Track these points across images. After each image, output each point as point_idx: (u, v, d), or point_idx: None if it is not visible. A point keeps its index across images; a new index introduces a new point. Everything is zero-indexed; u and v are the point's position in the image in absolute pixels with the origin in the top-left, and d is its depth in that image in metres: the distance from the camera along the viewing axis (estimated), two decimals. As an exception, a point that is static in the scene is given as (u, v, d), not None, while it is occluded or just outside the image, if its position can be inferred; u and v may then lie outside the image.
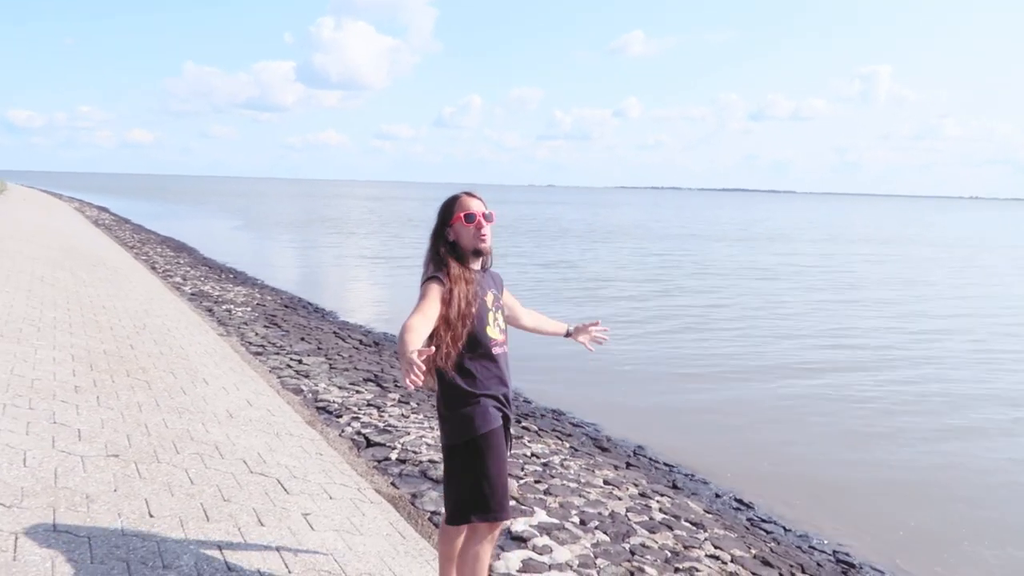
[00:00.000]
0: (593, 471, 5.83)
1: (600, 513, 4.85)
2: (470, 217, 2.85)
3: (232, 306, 12.16)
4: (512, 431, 3.08)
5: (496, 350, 2.85)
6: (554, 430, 7.14)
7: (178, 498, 3.71)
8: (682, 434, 7.89)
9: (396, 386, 8.01)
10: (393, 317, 14.07)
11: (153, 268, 16.45)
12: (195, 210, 57.63)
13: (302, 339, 9.95)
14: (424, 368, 2.36)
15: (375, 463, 5.38)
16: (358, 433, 5.99)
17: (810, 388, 9.83)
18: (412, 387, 2.32)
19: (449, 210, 2.89)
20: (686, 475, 6.62)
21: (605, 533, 4.53)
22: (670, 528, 4.80)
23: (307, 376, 7.86)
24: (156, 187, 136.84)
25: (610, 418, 8.29)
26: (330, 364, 8.56)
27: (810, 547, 5.36)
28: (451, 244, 2.86)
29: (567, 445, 6.59)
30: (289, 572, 3.25)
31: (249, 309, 12.09)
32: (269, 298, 14.09)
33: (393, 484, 5.10)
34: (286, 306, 13.36)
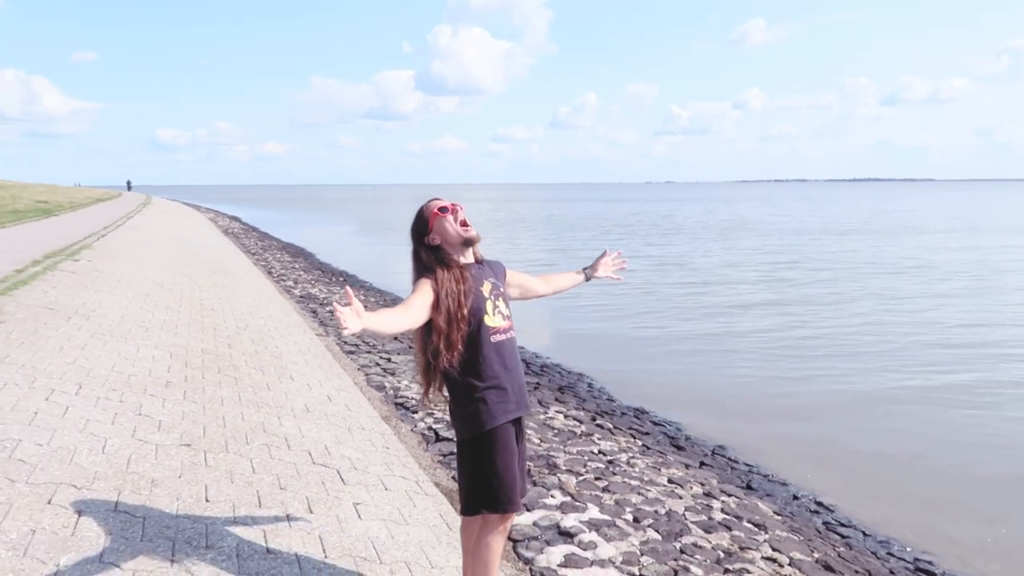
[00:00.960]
0: (659, 469, 5.74)
1: (656, 511, 4.79)
2: (444, 208, 2.89)
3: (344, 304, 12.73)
4: (526, 424, 3.10)
5: (497, 337, 2.88)
6: (630, 428, 7.08)
7: (237, 485, 3.97)
8: (769, 436, 7.62)
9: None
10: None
11: (269, 273, 17.47)
12: (317, 217, 60.52)
13: (395, 339, 10.29)
14: (350, 304, 2.29)
15: (440, 457, 5.52)
16: (429, 428, 6.16)
17: (917, 394, 9.20)
18: (344, 328, 2.23)
19: (422, 217, 2.91)
20: (764, 476, 6.41)
21: (657, 531, 4.47)
22: (728, 528, 4.67)
23: (392, 374, 8.14)
24: (285, 196, 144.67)
25: (694, 417, 8.12)
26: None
27: (888, 554, 5.06)
28: (435, 249, 2.87)
29: (639, 443, 6.52)
30: (325, 556, 3.42)
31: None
32: (372, 299, 14.65)
33: (454, 478, 5.21)
34: (387, 307, 13.83)
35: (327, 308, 12.59)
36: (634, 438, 6.67)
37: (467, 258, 2.94)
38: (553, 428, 6.53)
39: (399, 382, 7.76)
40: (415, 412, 6.71)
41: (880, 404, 8.69)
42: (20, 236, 14.47)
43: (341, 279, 18.31)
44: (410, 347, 9.93)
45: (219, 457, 4.31)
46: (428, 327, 2.76)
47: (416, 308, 2.68)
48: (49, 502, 3.25)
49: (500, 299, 2.97)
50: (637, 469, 5.65)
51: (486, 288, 2.91)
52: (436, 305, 2.72)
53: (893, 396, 9.00)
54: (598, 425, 6.91)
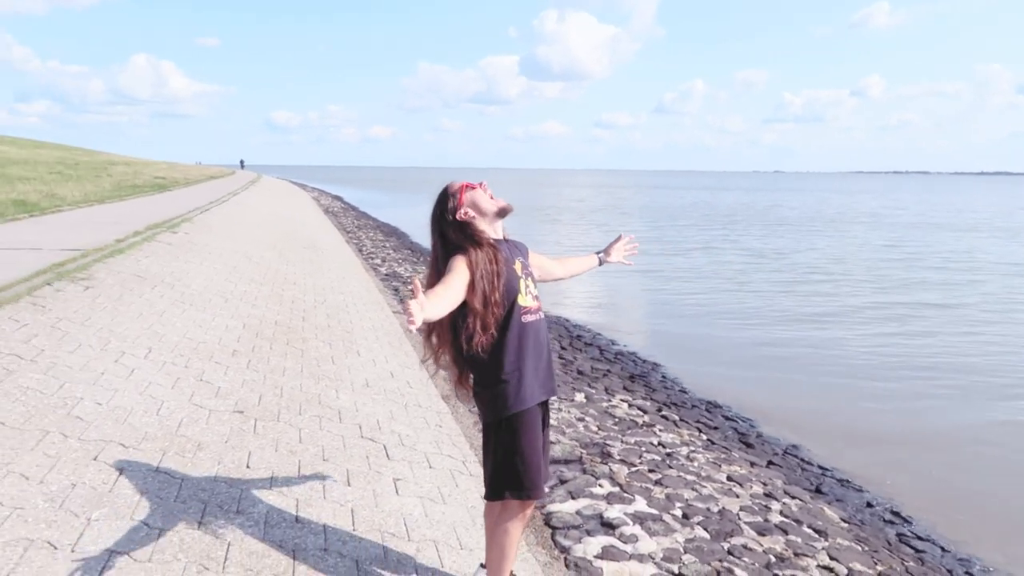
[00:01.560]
0: (720, 466, 5.50)
1: (708, 509, 4.58)
2: (470, 186, 2.82)
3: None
4: (551, 409, 3.00)
5: (528, 318, 2.78)
6: (698, 421, 6.83)
7: (280, 454, 4.05)
8: (851, 440, 7.18)
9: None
10: (574, 303, 14.17)
11: (360, 250, 17.91)
12: (416, 198, 61.64)
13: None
14: (415, 297, 2.21)
15: (493, 439, 5.47)
16: (486, 410, 6.11)
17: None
18: (411, 323, 2.18)
19: (450, 195, 2.80)
20: (838, 480, 6.04)
21: (705, 530, 4.28)
22: (785, 532, 4.42)
23: (461, 354, 8.14)
24: (389, 178, 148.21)
25: (771, 416, 7.75)
26: (487, 343, 8.82)
27: (967, 573, 4.66)
28: (464, 226, 2.74)
29: (704, 437, 6.28)
30: (354, 529, 3.43)
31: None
32: (455, 280, 14.77)
33: (503, 460, 5.16)
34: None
35: (410, 286, 12.78)
36: (700, 432, 6.43)
37: (497, 233, 2.85)
38: (614, 416, 6.38)
39: (466, 362, 7.75)
40: (476, 393, 6.68)
41: (984, 422, 8.05)
42: (132, 209, 15.34)
43: (430, 259, 18.56)
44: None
45: (269, 425, 4.40)
46: (459, 310, 2.68)
47: (457, 288, 2.55)
48: (95, 459, 3.39)
49: (529, 279, 2.87)
50: (696, 464, 5.43)
51: (518, 266, 2.82)
52: (472, 286, 2.61)
53: (1001, 415, 8.31)
54: (663, 416, 6.70)
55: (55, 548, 2.64)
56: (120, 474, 3.30)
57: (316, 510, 3.49)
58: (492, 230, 2.82)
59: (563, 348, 9.40)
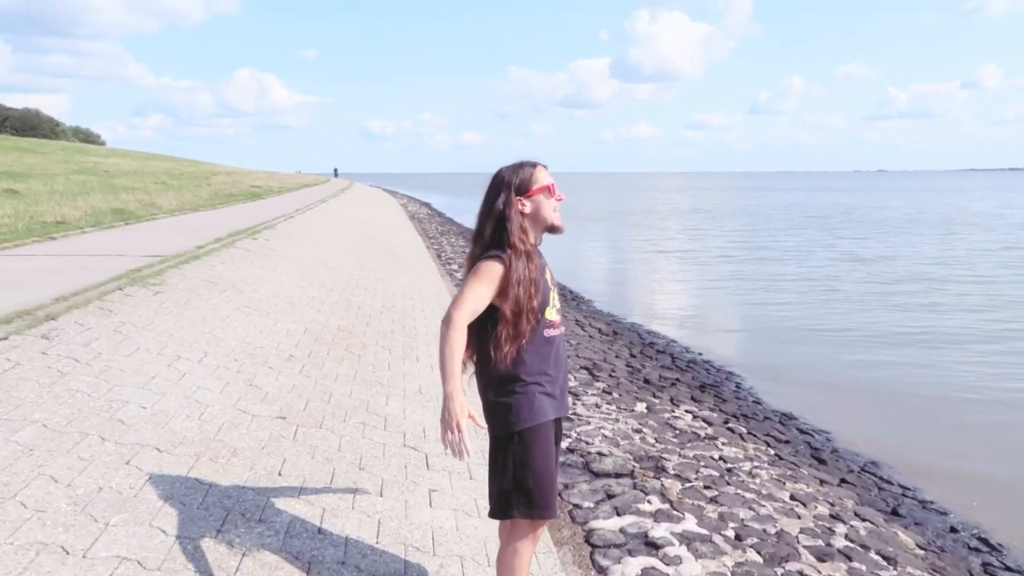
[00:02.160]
0: (784, 483, 5.16)
1: (764, 530, 4.28)
2: (552, 190, 2.65)
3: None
4: (564, 426, 2.82)
5: (550, 332, 2.64)
6: (767, 435, 6.47)
7: (316, 462, 4.02)
8: (941, 459, 6.65)
9: (611, 376, 7.87)
10: (651, 310, 13.82)
11: (438, 256, 18.07)
12: (503, 204, 61.96)
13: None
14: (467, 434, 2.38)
15: (543, 450, 5.31)
16: (541, 419, 5.96)
17: None
18: (458, 456, 2.38)
19: (528, 179, 2.62)
20: (920, 502, 5.58)
21: (759, 553, 3.98)
22: (848, 559, 4.07)
23: (524, 360, 8.01)
24: (479, 184, 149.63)
25: (852, 430, 7.28)
26: (552, 350, 8.67)
27: (1063, 612, 4.18)
28: (523, 217, 2.59)
29: (771, 452, 5.92)
30: (377, 542, 3.35)
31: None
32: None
33: (550, 472, 4.99)
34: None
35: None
36: (768, 446, 6.08)
37: (539, 240, 2.71)
38: (675, 428, 6.10)
39: (528, 369, 7.62)
40: (534, 401, 6.54)
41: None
42: (223, 217, 15.97)
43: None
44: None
45: (309, 432, 4.39)
46: (488, 316, 2.56)
47: (481, 306, 2.49)
48: (128, 462, 3.43)
49: (556, 291, 2.74)
50: (757, 481, 5.11)
51: (548, 276, 2.69)
52: (504, 292, 2.49)
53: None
54: (729, 428, 6.37)
55: (67, 553, 2.66)
56: (149, 479, 3.33)
57: (341, 521, 3.43)
58: (536, 237, 2.69)
59: (632, 356, 9.13)
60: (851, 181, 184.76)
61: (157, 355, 4.96)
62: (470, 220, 34.86)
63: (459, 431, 2.34)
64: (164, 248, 9.36)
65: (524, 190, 2.60)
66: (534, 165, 2.67)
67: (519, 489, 2.64)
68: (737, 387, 8.48)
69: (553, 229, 2.67)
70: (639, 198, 76.77)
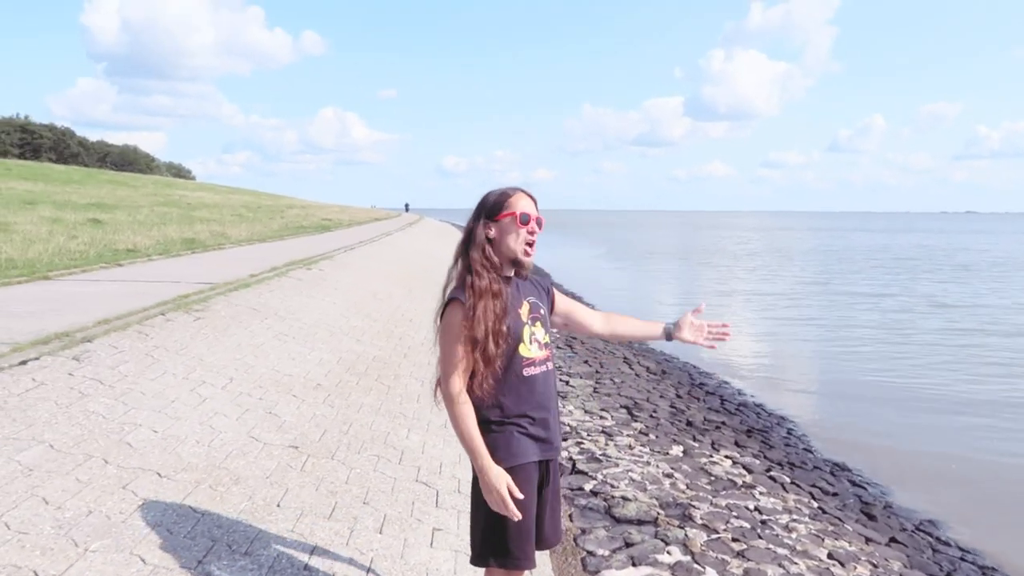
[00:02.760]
0: (823, 539, 4.80)
1: (791, 591, 3.97)
2: (524, 218, 2.45)
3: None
4: (558, 465, 2.65)
5: (531, 371, 2.49)
6: (814, 485, 6.08)
7: (319, 494, 3.94)
8: (1009, 522, 6.12)
9: (651, 416, 7.60)
10: (700, 350, 13.36)
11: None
12: (568, 239, 61.97)
13: (585, 362, 9.98)
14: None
15: (565, 492, 5.13)
16: (569, 459, 5.78)
17: None
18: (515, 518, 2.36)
19: (499, 204, 2.48)
20: (980, 567, 5.11)
21: (781, 616, 3.69)
22: (883, 628, 3.73)
23: (562, 397, 7.84)
24: (548, 220, 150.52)
25: (911, 485, 6.79)
26: (595, 388, 8.45)
27: None
28: (487, 242, 2.45)
29: (815, 504, 5.56)
30: (364, 583, 3.23)
31: (555, 331, 12.52)
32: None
33: (569, 516, 4.80)
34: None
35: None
36: (812, 498, 5.71)
37: (509, 272, 2.57)
38: (710, 474, 5.80)
39: (563, 406, 7.44)
40: (564, 439, 6.35)
41: None
42: (286, 247, 16.38)
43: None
44: (597, 371, 9.55)
45: (319, 463, 4.33)
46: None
47: (469, 362, 2.38)
48: (125, 487, 3.43)
49: (538, 324, 2.56)
50: (794, 535, 4.78)
51: (524, 310, 2.52)
52: (470, 324, 2.34)
53: None
54: (771, 477, 6.02)
55: (37, 577, 2.64)
56: (142, 504, 3.31)
57: (330, 559, 3.33)
58: (504, 264, 2.55)
59: (678, 396, 8.82)
60: (937, 222, 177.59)
61: (183, 379, 5.01)
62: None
63: (505, 502, 2.32)
64: (220, 276, 9.61)
65: (494, 213, 2.47)
66: (516, 191, 2.54)
67: (494, 536, 2.50)
68: (788, 434, 8.06)
69: (517, 263, 2.49)
70: (710, 236, 75.55)
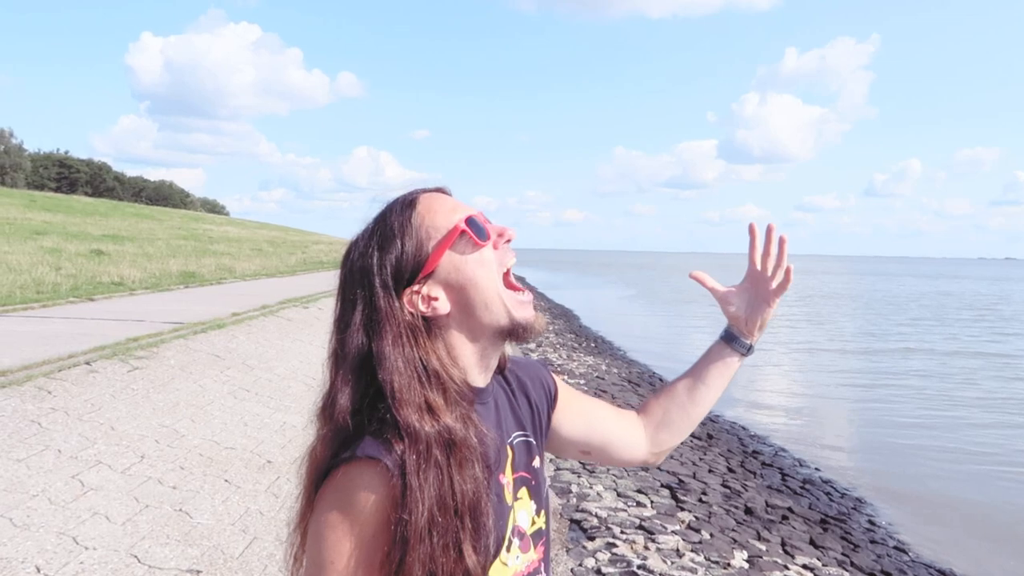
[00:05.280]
0: None
1: None
2: (481, 232, 1.01)
3: (566, 377, 11.28)
4: None
5: None
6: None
7: None
8: None
9: (700, 501, 6.08)
10: (749, 407, 11.79)
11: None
12: (598, 280, 60.56)
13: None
14: None
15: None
16: (597, 572, 4.30)
17: None
18: None
19: (416, 242, 0.99)
20: None
21: None
22: None
23: (591, 472, 6.37)
24: (577, 261, 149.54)
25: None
26: (628, 459, 6.95)
27: None
28: (423, 328, 0.97)
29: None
30: None
31: (583, 382, 11.08)
32: (616, 370, 12.97)
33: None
34: (630, 381, 12.08)
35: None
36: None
37: (487, 376, 1.07)
38: (790, 599, 4.27)
39: (593, 486, 5.95)
40: (591, 538, 4.88)
41: None
42: (292, 283, 15.20)
43: (593, 344, 16.94)
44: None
45: (226, 598, 2.93)
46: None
47: None
48: None
49: (525, 489, 1.10)
50: None
51: (507, 474, 1.06)
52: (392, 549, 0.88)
53: None
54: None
55: None
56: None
57: None
58: (486, 362, 1.06)
59: (729, 470, 7.26)
60: (975, 269, 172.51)
61: (69, 459, 3.67)
62: (561, 295, 33.63)
63: None
64: (197, 314, 8.35)
65: (415, 266, 0.98)
66: (415, 197, 1.03)
67: None
68: (871, 524, 6.46)
69: (516, 329, 1.03)
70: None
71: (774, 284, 1.28)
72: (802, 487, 7.16)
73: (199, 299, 10.56)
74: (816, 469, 8.15)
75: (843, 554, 5.34)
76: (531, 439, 1.13)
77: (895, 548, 5.93)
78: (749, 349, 1.30)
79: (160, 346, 6.13)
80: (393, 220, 1.00)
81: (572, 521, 5.15)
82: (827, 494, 7.14)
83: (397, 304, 0.97)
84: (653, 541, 4.85)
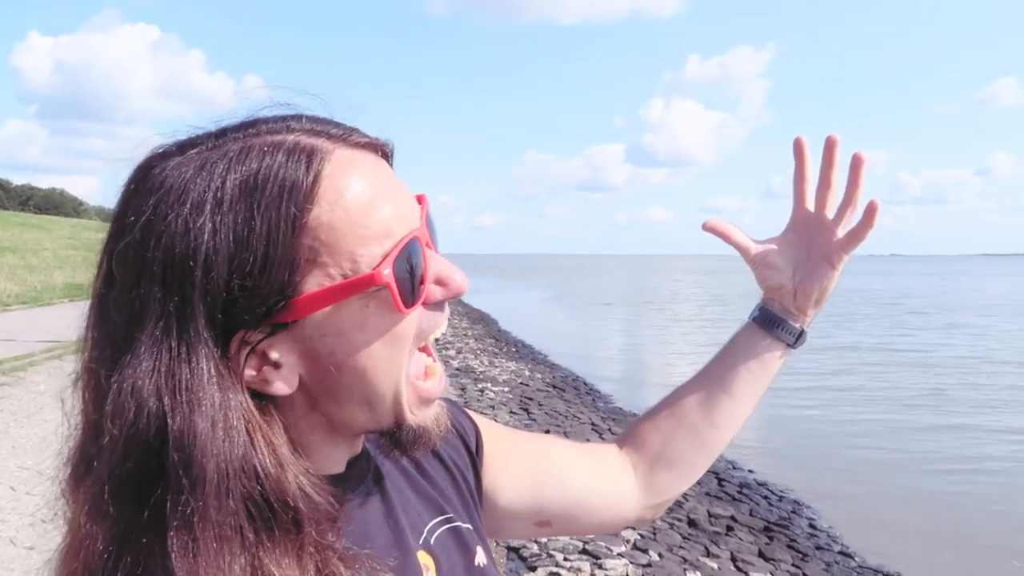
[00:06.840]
0: None
1: None
2: (412, 287, 0.55)
3: (489, 384, 10.81)
4: None
5: None
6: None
7: None
8: None
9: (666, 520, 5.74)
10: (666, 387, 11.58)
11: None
12: (515, 284, 60.44)
13: (546, 431, 8.08)
14: None
15: None
16: (538, 609, 3.85)
17: None
18: None
19: (289, 235, 0.48)
20: None
21: None
22: None
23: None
24: (494, 265, 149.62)
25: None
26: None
27: None
28: (260, 420, 0.48)
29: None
30: None
31: (507, 389, 10.63)
32: (539, 376, 12.60)
33: None
34: (554, 386, 11.72)
35: (479, 385, 10.70)
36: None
37: (354, 447, 0.62)
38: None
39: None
40: (532, 568, 4.43)
41: None
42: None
43: (514, 349, 16.56)
44: (548, 433, 7.66)
45: None
46: None
47: None
48: None
49: None
50: None
51: None
52: None
53: None
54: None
55: None
56: None
57: None
58: (340, 438, 0.59)
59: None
60: (864, 265, 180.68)
61: None
62: (478, 299, 32.97)
63: None
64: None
65: (270, 299, 0.48)
66: (340, 143, 0.54)
67: None
68: (812, 528, 6.27)
69: (404, 436, 0.60)
70: (659, 280, 74.75)
71: (842, 230, 0.84)
72: (739, 492, 6.94)
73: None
74: (749, 471, 7.98)
75: (794, 565, 5.10)
76: (461, 522, 0.70)
77: (840, 554, 5.76)
78: (799, 336, 0.87)
79: (29, 369, 5.32)
80: (272, 195, 0.49)
81: (510, 549, 4.70)
82: (765, 498, 6.95)
83: (217, 351, 0.49)
84: (600, 567, 4.45)
